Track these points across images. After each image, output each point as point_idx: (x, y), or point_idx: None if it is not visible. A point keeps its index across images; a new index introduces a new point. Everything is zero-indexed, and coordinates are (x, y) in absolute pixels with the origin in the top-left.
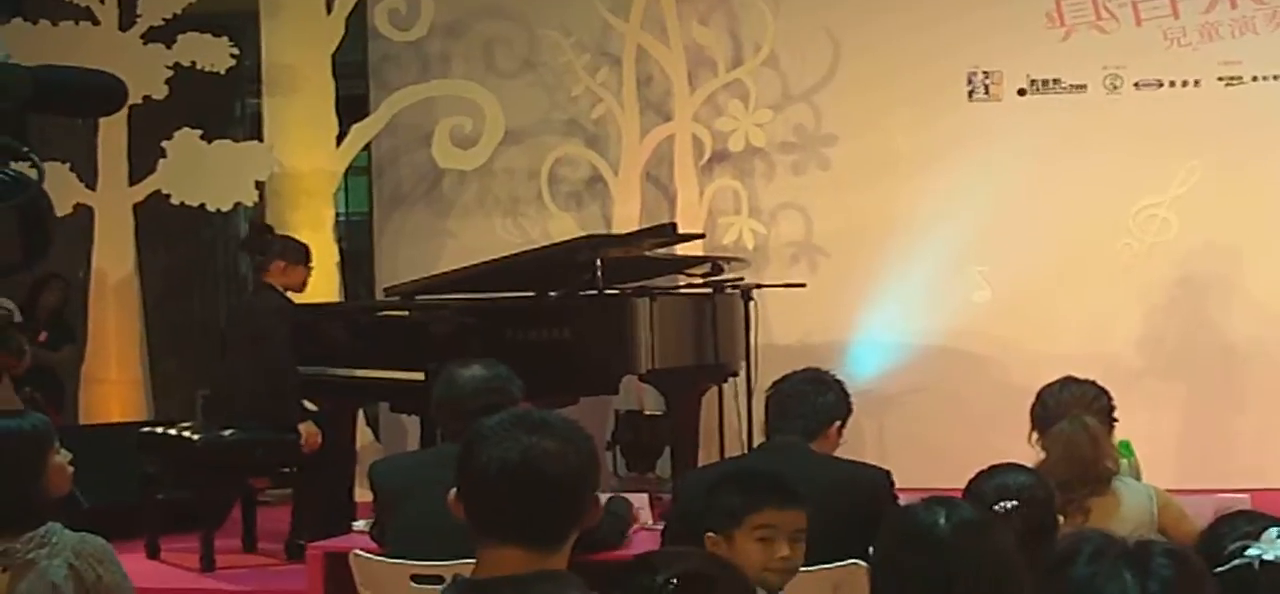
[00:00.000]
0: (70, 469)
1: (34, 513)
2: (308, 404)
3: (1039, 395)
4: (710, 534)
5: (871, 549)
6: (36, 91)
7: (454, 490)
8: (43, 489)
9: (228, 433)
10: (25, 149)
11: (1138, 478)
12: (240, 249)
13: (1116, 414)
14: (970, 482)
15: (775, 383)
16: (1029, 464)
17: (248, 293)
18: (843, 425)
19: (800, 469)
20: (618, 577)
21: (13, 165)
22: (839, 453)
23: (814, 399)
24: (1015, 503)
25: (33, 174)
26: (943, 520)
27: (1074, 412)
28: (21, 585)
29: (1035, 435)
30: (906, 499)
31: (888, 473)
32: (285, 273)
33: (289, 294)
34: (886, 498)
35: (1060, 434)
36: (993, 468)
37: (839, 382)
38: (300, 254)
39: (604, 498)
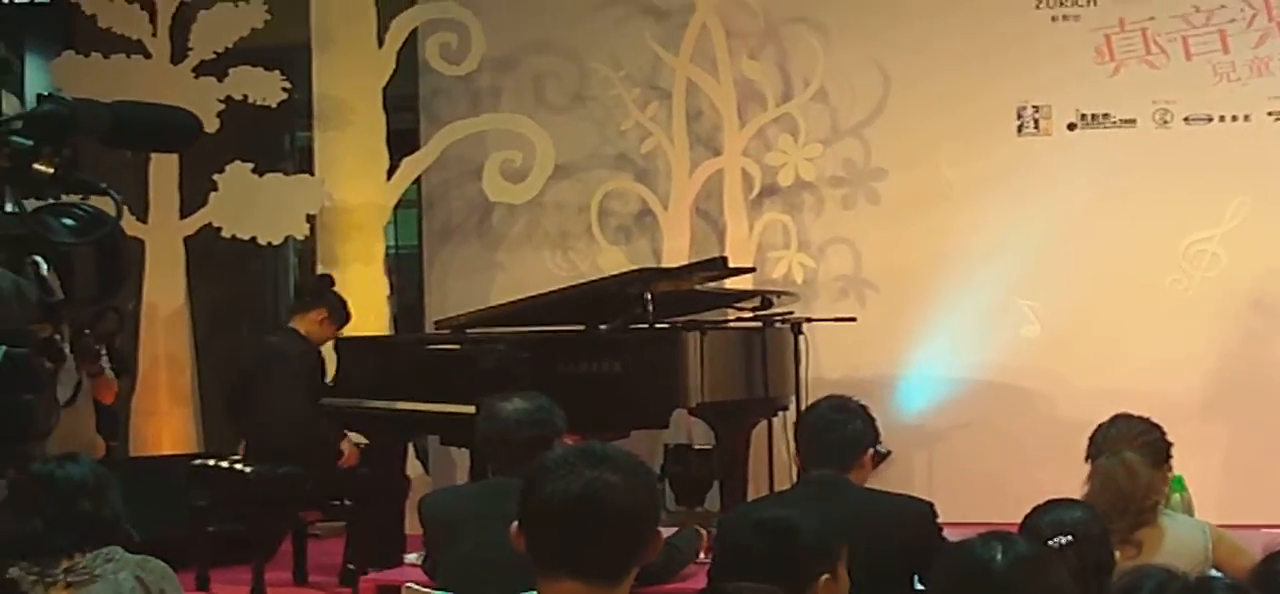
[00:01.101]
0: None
1: (97, 536)
2: (356, 437)
3: (1094, 431)
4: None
5: (918, 581)
6: (114, 126)
7: (516, 523)
8: (107, 516)
9: (281, 468)
10: (103, 185)
11: (1190, 513)
12: (299, 286)
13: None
14: (1026, 517)
15: (803, 415)
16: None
17: (272, 335)
18: (873, 452)
19: (843, 503)
20: None
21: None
22: (886, 485)
23: (844, 428)
24: (1070, 538)
25: (111, 210)
26: (999, 556)
27: (1120, 447)
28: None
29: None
30: (954, 534)
31: (931, 504)
32: (321, 325)
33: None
34: (931, 530)
35: (1099, 468)
36: (1048, 503)
37: (862, 407)
38: (343, 318)
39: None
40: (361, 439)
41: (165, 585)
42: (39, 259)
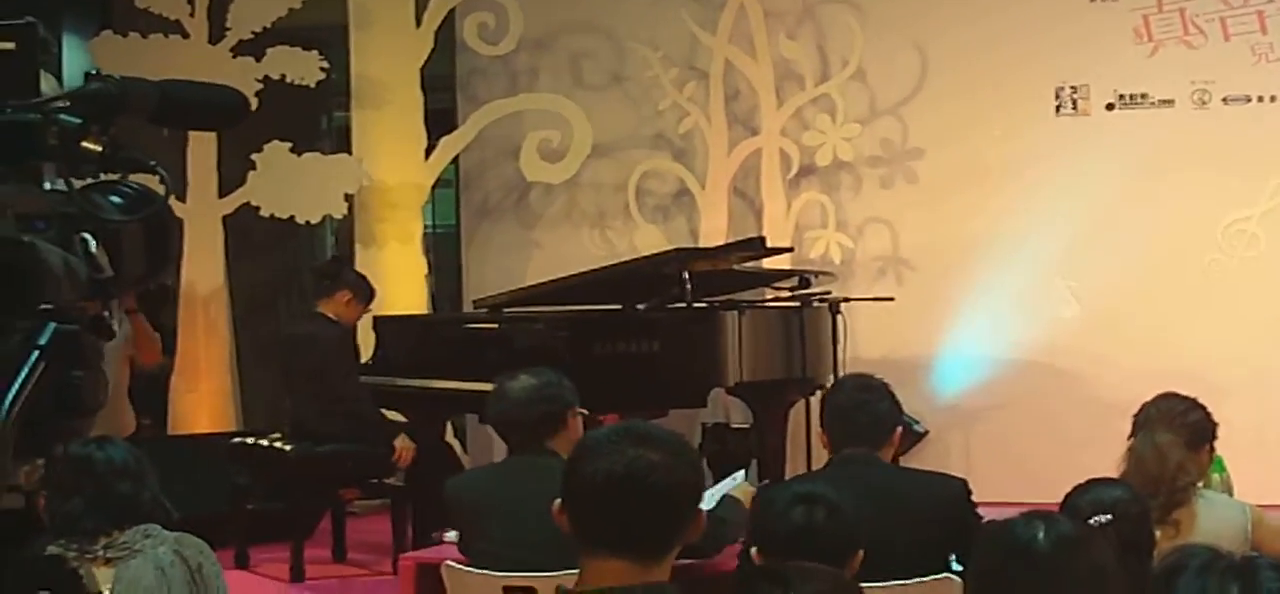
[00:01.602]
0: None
1: (135, 517)
2: (395, 415)
3: (1139, 409)
4: None
5: (954, 561)
6: (161, 105)
7: (558, 501)
8: (145, 499)
9: (321, 446)
10: (152, 163)
11: (1229, 494)
12: (311, 272)
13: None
14: (1066, 496)
15: (828, 395)
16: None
17: (299, 322)
18: (904, 429)
19: (878, 482)
20: (743, 588)
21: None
22: (923, 466)
23: (873, 408)
24: (1109, 517)
25: (160, 188)
26: (1042, 535)
27: (1158, 426)
28: (128, 569)
29: None
30: (991, 514)
31: (964, 482)
32: (347, 306)
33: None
34: (966, 508)
35: (1131, 447)
36: (1089, 482)
37: (885, 385)
38: (368, 295)
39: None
40: (400, 417)
41: (203, 560)
42: (88, 236)
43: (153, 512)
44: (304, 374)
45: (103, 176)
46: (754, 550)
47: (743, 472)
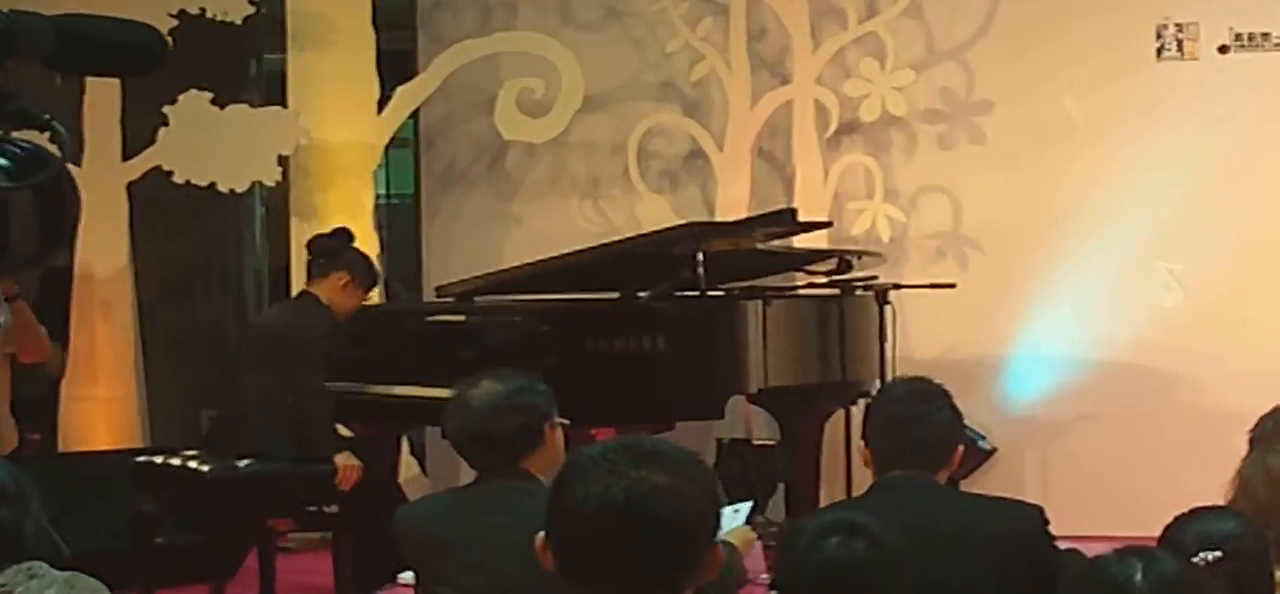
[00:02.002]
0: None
1: (16, 551)
2: (342, 429)
3: (1256, 424)
4: None
5: None
6: (60, 46)
7: (541, 534)
8: (28, 529)
9: (244, 463)
10: (47, 117)
11: None
12: (309, 244)
13: None
14: (1166, 528)
15: (874, 403)
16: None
17: (284, 300)
18: (966, 445)
19: (934, 512)
20: None
21: (24, 137)
22: (990, 490)
23: (931, 420)
24: (1219, 554)
25: (53, 148)
26: (1139, 577)
27: (1277, 443)
28: None
29: None
30: (1070, 547)
31: (1040, 509)
32: (344, 291)
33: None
34: (1042, 542)
35: (1240, 470)
36: (1194, 512)
37: (944, 390)
38: (370, 279)
39: None
40: (346, 431)
41: None
42: None
43: (37, 546)
44: (266, 357)
45: None
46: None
47: (744, 507)
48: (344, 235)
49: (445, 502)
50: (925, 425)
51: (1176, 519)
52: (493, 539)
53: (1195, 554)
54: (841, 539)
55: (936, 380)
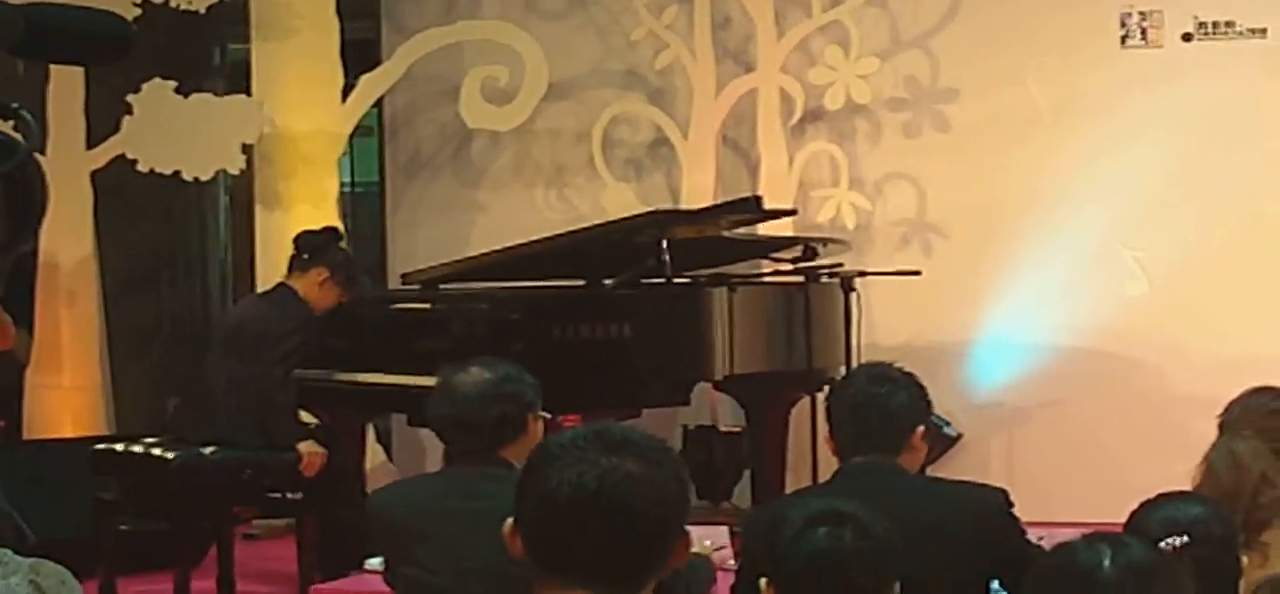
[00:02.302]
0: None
1: None
2: (306, 416)
3: (1225, 408)
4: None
5: (999, 586)
6: (28, 34)
7: (510, 520)
8: None
9: (208, 451)
10: (15, 106)
11: None
12: (296, 239)
13: None
14: (1132, 514)
15: (835, 390)
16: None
17: (262, 291)
18: (925, 428)
19: (898, 497)
20: None
21: None
22: (958, 476)
23: (886, 403)
24: (1186, 539)
25: (19, 136)
26: (1107, 562)
27: (1244, 428)
28: None
29: None
30: (1039, 536)
31: (1005, 492)
32: (321, 287)
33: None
34: (1006, 525)
35: (1207, 455)
36: (1160, 497)
37: (909, 375)
38: (349, 283)
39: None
40: (311, 418)
41: (65, 592)
42: None
43: (2, 533)
44: (237, 354)
45: None
46: (764, 582)
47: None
48: (331, 234)
49: (418, 486)
50: (882, 410)
51: (1142, 505)
52: (464, 525)
53: (1162, 539)
54: (830, 529)
55: (901, 366)
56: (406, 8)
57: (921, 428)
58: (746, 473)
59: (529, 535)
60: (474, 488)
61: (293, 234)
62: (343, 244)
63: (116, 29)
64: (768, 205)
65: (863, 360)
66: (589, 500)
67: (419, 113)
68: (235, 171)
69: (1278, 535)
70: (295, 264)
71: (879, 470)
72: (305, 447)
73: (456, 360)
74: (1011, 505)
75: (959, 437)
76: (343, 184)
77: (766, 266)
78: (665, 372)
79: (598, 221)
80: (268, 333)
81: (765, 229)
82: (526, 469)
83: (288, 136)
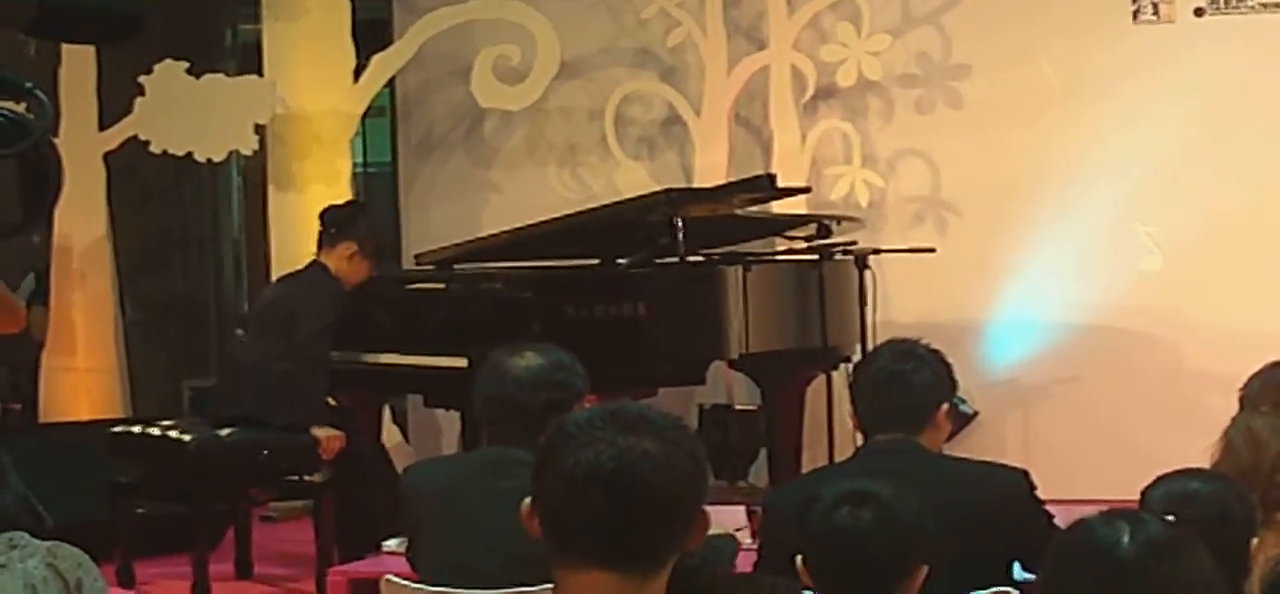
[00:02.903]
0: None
1: None
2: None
3: (1245, 384)
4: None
5: (1020, 568)
6: (41, 14)
7: (527, 499)
8: (6, 500)
9: (225, 433)
10: (29, 85)
11: None
12: (322, 214)
13: None
14: (1144, 491)
15: (857, 367)
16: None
17: (296, 271)
18: (949, 406)
19: (918, 476)
20: None
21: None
22: (975, 454)
23: (910, 381)
24: (1201, 516)
25: (31, 117)
26: (1126, 539)
27: (1262, 403)
28: None
29: None
30: (1059, 513)
31: (1026, 473)
32: (351, 262)
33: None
34: (1027, 504)
35: (1226, 431)
36: (1176, 473)
37: (934, 352)
38: (375, 252)
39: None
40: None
41: (83, 575)
42: None
43: (19, 516)
44: (272, 334)
45: None
46: (800, 560)
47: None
48: (355, 207)
49: (452, 464)
50: (904, 387)
51: (1157, 480)
52: (495, 504)
53: (1176, 515)
54: (851, 508)
55: (926, 343)
56: None
57: (945, 406)
58: (762, 452)
59: (546, 515)
60: (506, 470)
61: (306, 215)
62: (366, 215)
63: (129, 7)
64: (781, 183)
65: (878, 339)
66: (606, 480)
67: (431, 92)
68: (248, 152)
69: None
70: (324, 240)
71: (900, 449)
72: (321, 431)
73: (472, 342)
74: (1034, 487)
75: (975, 414)
76: (355, 164)
77: (780, 245)
78: (680, 351)
79: (611, 200)
80: (300, 311)
81: (779, 207)
82: (544, 449)
83: (300, 117)
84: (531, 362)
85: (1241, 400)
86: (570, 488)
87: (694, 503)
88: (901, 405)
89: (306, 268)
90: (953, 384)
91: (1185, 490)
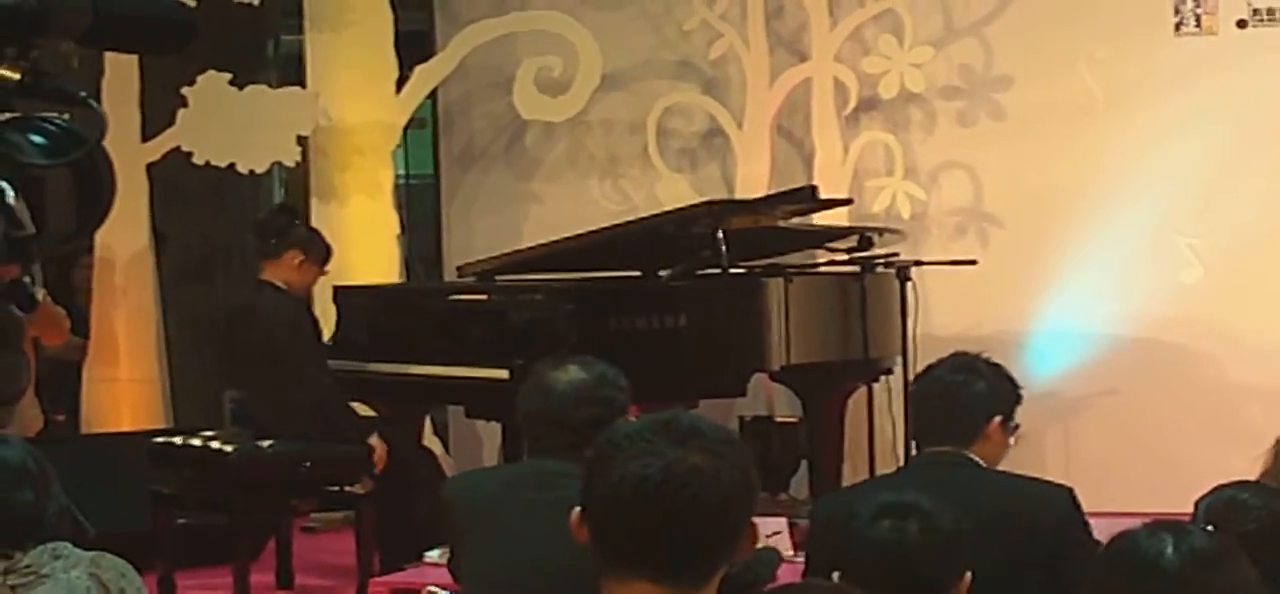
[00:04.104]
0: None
1: (39, 528)
2: (364, 410)
3: None
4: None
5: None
6: (96, 24)
7: (577, 510)
8: (51, 510)
9: (267, 444)
10: (83, 95)
11: None
12: (251, 231)
13: None
14: (1197, 502)
15: (918, 377)
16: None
17: (242, 292)
18: (1007, 421)
19: (963, 490)
20: None
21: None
22: (1014, 467)
23: (962, 393)
24: (1250, 528)
25: (84, 127)
26: (1170, 551)
27: None
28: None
29: None
30: (1099, 526)
31: (1071, 491)
32: (299, 269)
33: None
34: (1073, 522)
35: (1277, 442)
36: (1221, 486)
37: (994, 366)
38: (323, 253)
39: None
40: (370, 410)
41: (125, 584)
42: (4, 185)
43: (61, 527)
44: (250, 358)
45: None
46: (837, 575)
47: None
48: (287, 213)
49: (495, 475)
50: (956, 400)
51: (1210, 492)
52: (537, 517)
53: (1223, 525)
54: (894, 522)
55: (987, 357)
56: None
57: (998, 419)
58: (804, 463)
59: (595, 526)
60: (549, 482)
61: (349, 226)
62: (298, 220)
63: (182, 17)
64: (823, 195)
65: (919, 351)
66: (654, 492)
67: (473, 104)
68: (290, 164)
69: None
70: (267, 253)
71: (944, 462)
72: (374, 440)
73: (514, 354)
74: (1079, 506)
75: (1016, 427)
76: (398, 176)
77: (822, 257)
78: (721, 363)
79: (652, 212)
80: (275, 340)
81: (820, 219)
82: (593, 460)
83: (342, 128)
84: (575, 376)
85: None
86: (618, 499)
87: (742, 516)
88: (950, 417)
89: (256, 291)
90: (1013, 399)
91: (1233, 500)
